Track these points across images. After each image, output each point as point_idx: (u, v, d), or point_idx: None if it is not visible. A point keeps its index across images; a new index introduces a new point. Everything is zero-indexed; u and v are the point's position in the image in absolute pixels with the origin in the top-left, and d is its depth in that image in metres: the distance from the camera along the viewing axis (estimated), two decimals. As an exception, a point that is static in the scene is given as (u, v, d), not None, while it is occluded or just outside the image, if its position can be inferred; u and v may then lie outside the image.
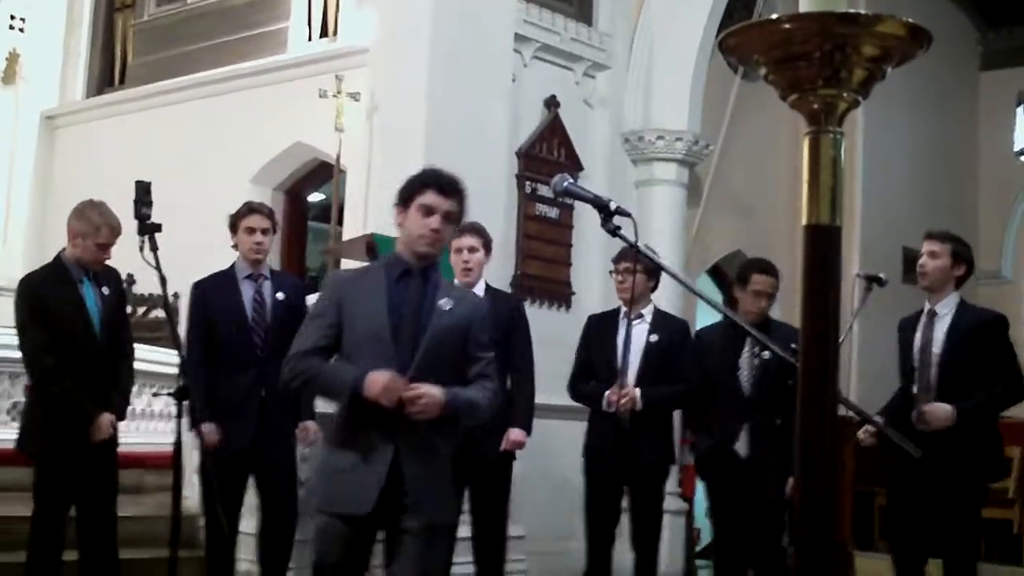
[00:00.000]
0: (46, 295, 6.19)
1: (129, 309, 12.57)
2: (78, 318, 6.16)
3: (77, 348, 6.14)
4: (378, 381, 4.14)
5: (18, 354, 6.42)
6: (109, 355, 6.25)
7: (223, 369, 6.47)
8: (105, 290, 6.27)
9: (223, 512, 6.19)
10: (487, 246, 6.71)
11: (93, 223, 6.18)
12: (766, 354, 6.49)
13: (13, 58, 13.52)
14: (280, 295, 6.60)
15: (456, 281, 6.46)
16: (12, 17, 13.47)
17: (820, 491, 2.20)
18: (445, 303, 4.36)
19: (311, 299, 6.57)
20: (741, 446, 6.70)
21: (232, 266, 6.68)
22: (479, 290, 6.59)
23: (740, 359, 6.75)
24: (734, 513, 6.78)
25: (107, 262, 6.35)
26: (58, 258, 6.30)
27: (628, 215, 3.74)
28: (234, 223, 6.62)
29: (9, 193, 13.73)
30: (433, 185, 4.33)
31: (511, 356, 6.73)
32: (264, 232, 6.58)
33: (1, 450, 7.57)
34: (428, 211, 4.29)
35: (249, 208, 6.70)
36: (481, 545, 6.94)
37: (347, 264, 9.24)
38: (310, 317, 4.43)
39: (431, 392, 4.18)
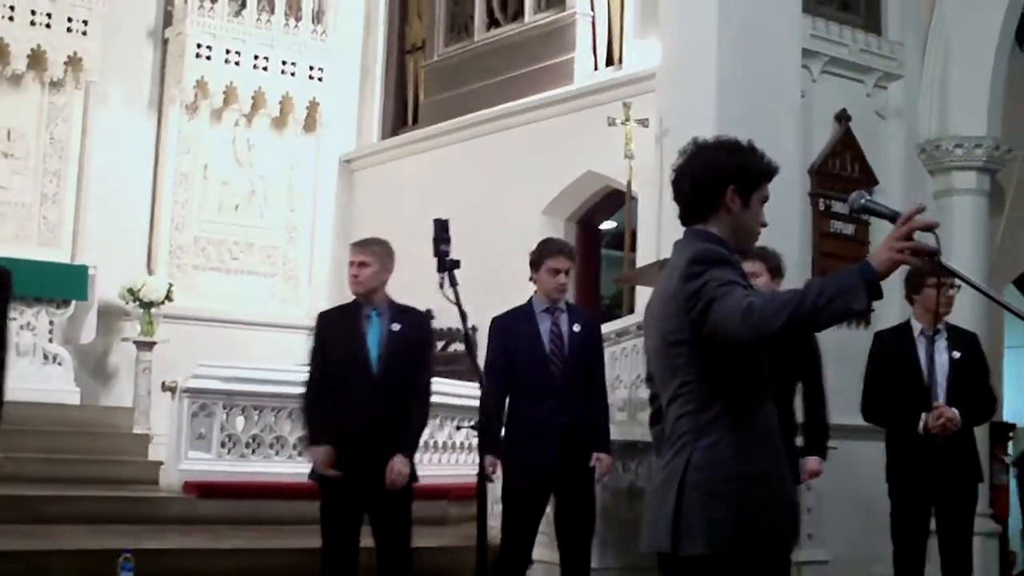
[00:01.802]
0: (328, 326, 6.48)
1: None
2: (352, 350, 6.30)
3: (349, 379, 6.29)
4: (901, 229, 3.26)
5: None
6: (388, 390, 6.28)
7: (524, 399, 6.62)
8: (395, 327, 6.34)
9: (520, 539, 6.32)
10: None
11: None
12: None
13: (313, 107, 14.08)
14: (576, 327, 6.72)
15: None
16: (311, 68, 14.02)
17: None
18: None
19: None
20: None
21: (529, 301, 6.84)
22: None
23: None
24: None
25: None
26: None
27: (929, 229, 3.50)
28: (537, 261, 6.75)
29: (313, 235, 14.29)
30: (772, 177, 3.74)
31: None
32: (567, 273, 6.73)
33: (290, 484, 7.85)
34: (765, 201, 3.72)
35: (557, 249, 6.85)
36: None
37: (642, 292, 9.24)
38: (724, 283, 3.46)
39: None
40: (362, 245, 6.45)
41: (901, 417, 6.72)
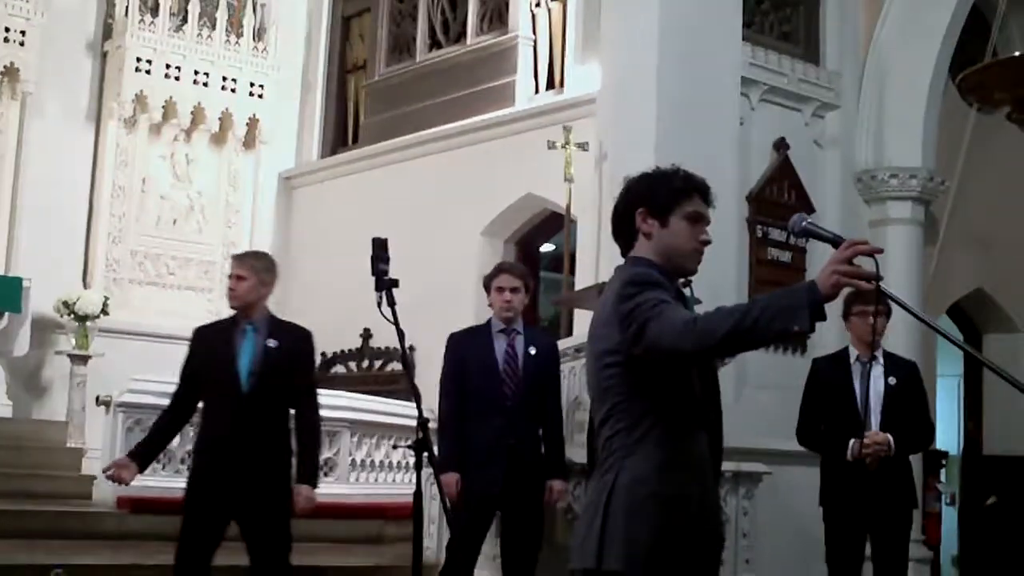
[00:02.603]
0: (202, 341, 6.34)
1: (366, 363, 13.02)
2: (222, 365, 6.15)
3: (219, 393, 6.16)
4: (844, 252, 3.29)
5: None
6: (257, 406, 6.11)
7: (474, 417, 6.62)
8: (272, 343, 6.18)
9: (463, 559, 6.30)
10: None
11: None
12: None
13: (253, 124, 14.04)
14: (532, 350, 6.75)
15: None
16: (252, 84, 13.98)
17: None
18: None
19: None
20: None
21: (488, 321, 6.89)
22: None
23: None
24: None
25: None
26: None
27: (872, 254, 3.52)
28: (487, 283, 6.83)
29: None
30: (701, 191, 3.72)
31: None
32: (514, 291, 6.72)
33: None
34: (697, 219, 3.69)
35: (501, 268, 6.90)
36: None
37: (580, 315, 9.30)
38: (658, 302, 3.48)
39: None
40: (240, 259, 6.40)
41: (834, 443, 6.75)
